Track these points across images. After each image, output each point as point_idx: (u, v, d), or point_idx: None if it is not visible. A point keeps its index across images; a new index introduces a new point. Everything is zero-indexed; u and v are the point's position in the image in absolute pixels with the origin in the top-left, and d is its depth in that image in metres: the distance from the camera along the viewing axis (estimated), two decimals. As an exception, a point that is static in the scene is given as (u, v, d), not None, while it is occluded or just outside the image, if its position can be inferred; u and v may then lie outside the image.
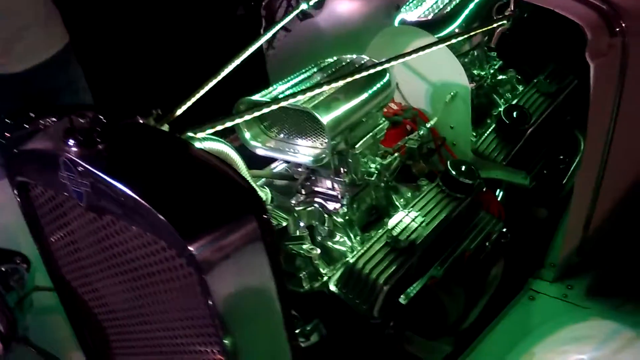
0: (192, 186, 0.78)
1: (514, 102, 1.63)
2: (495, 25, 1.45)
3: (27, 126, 0.87)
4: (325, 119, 1.14)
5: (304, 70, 1.30)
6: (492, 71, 1.70)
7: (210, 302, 0.77)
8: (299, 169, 1.34)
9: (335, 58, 1.35)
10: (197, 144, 0.97)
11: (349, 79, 1.13)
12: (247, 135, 1.26)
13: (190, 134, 0.96)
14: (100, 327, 1.10)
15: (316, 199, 1.33)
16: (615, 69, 1.22)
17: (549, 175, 1.56)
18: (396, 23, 1.57)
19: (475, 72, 1.68)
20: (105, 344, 1.11)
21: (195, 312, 0.82)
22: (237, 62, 1.22)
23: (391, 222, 1.18)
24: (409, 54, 1.22)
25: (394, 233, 1.17)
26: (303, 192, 1.35)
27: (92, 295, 1.06)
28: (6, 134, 0.90)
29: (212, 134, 0.98)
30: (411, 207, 1.26)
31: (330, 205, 1.32)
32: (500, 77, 1.74)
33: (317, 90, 1.10)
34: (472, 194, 1.32)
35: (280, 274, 0.83)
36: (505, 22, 1.28)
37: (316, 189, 1.34)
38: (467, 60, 1.65)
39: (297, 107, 1.15)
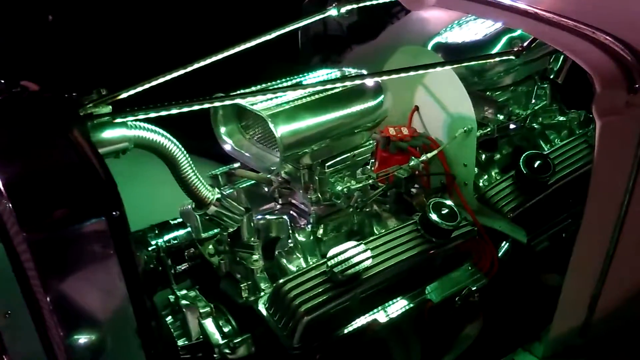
0: (47, 175, 0.77)
1: (560, 151, 1.46)
2: (499, 59, 1.30)
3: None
4: (282, 128, 1.08)
5: (294, 77, 1.25)
6: (540, 111, 1.53)
7: (47, 294, 0.75)
8: (278, 177, 1.29)
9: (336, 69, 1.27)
10: (126, 131, 0.96)
11: (311, 89, 1.06)
12: (222, 130, 1.23)
13: (121, 119, 0.95)
14: None
15: (290, 211, 1.28)
16: (632, 133, 1.04)
17: (568, 239, 1.37)
18: (429, 46, 1.46)
19: (517, 110, 1.52)
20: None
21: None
22: (226, 53, 1.20)
23: (332, 252, 1.09)
24: (391, 72, 1.12)
25: (331, 263, 1.08)
26: (280, 201, 1.30)
27: None
28: None
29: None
30: (371, 240, 1.16)
31: (302, 222, 1.26)
32: (558, 118, 1.57)
33: (272, 95, 1.05)
34: (449, 240, 1.19)
35: (136, 276, 0.80)
36: (513, 57, 1.13)
37: (292, 200, 1.28)
38: (507, 97, 1.50)
39: (253, 110, 1.10)
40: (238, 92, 1.11)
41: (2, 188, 0.73)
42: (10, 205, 0.72)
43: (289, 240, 1.22)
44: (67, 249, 0.74)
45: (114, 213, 0.75)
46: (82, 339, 0.80)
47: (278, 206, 1.30)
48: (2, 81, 1.03)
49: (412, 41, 1.49)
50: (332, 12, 1.45)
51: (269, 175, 1.29)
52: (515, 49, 1.13)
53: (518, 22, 1.16)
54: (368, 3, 1.42)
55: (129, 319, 0.81)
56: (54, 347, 0.80)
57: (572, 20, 1.07)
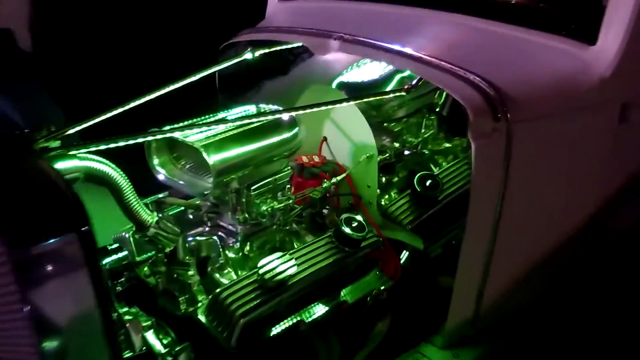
0: (27, 199, 0.89)
1: (447, 171, 1.71)
2: (392, 95, 1.55)
3: None
4: (213, 157, 1.25)
5: (222, 112, 1.42)
6: (430, 138, 1.79)
7: (25, 303, 0.87)
8: (207, 203, 1.45)
9: (254, 106, 1.46)
10: (77, 162, 1.09)
11: (236, 123, 1.24)
12: (155, 161, 1.37)
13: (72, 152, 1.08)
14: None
15: (219, 232, 1.43)
16: (500, 152, 1.29)
17: (457, 246, 1.61)
18: (334, 84, 1.69)
19: (410, 139, 1.77)
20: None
21: (16, 315, 0.91)
22: (158, 93, 1.36)
23: (262, 262, 1.27)
24: (304, 107, 1.33)
25: (262, 272, 1.25)
26: (209, 224, 1.45)
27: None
28: None
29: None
30: (294, 252, 1.34)
31: (230, 240, 1.41)
32: (444, 145, 1.83)
33: (200, 129, 1.22)
34: (359, 249, 1.39)
35: (103, 286, 0.93)
36: (404, 93, 1.38)
37: (220, 222, 1.44)
38: (401, 127, 1.74)
39: (186, 142, 1.26)
40: (171, 126, 1.27)
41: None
42: None
43: (220, 258, 1.38)
44: (44, 262, 0.86)
45: (82, 229, 0.88)
46: (54, 345, 0.91)
47: (207, 228, 1.45)
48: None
49: (318, 80, 1.71)
50: (248, 55, 1.65)
51: (198, 202, 1.45)
52: (406, 87, 1.37)
53: (406, 64, 1.40)
54: (279, 48, 1.63)
55: (96, 325, 0.93)
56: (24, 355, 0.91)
57: (448, 63, 1.33)
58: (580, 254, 1.64)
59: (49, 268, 0.87)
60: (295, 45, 1.62)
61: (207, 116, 1.38)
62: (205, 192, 1.31)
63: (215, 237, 1.40)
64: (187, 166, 1.38)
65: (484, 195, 1.33)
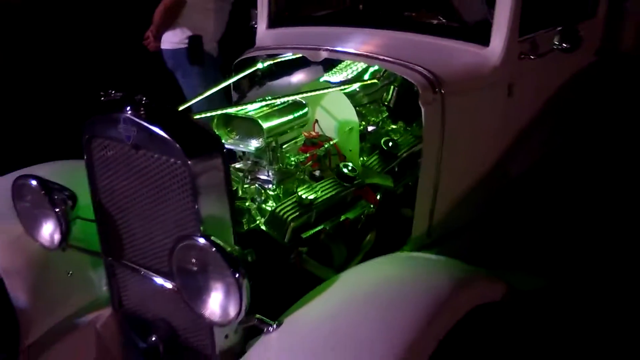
0: (190, 133, 1.57)
1: (401, 139, 2.48)
2: (369, 82, 2.33)
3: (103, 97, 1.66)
4: (264, 124, 1.96)
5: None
6: (384, 119, 2.56)
7: (195, 201, 1.54)
8: (248, 162, 2.14)
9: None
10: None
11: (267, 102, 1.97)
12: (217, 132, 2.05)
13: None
14: (121, 238, 1.82)
15: (257, 183, 2.12)
16: (439, 113, 2.08)
17: (413, 186, 2.37)
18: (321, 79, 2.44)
19: (372, 119, 2.54)
20: (124, 251, 1.83)
21: (187, 206, 1.57)
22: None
23: (300, 191, 1.98)
24: (312, 91, 2.07)
25: (300, 195, 1.96)
26: (249, 177, 2.13)
27: (119, 217, 1.80)
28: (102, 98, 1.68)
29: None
30: (314, 185, 2.06)
31: (266, 186, 2.11)
32: (392, 126, 2.61)
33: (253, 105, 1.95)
34: (353, 183, 2.13)
35: (230, 185, 1.61)
36: (376, 81, 2.15)
37: (257, 176, 2.13)
38: (366, 111, 2.51)
39: (248, 116, 1.97)
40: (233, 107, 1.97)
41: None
42: (181, 148, 1.51)
43: (262, 197, 2.06)
44: (207, 169, 1.54)
45: (224, 150, 1.57)
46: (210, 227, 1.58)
47: (247, 181, 2.13)
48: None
49: (313, 78, 2.46)
50: (259, 65, 2.38)
51: (239, 165, 2.14)
52: (377, 77, 2.14)
53: (376, 63, 2.18)
54: (284, 58, 2.37)
55: (227, 215, 1.61)
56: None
57: (402, 60, 2.12)
58: (493, 190, 2.46)
59: (209, 170, 1.55)
60: (295, 56, 2.36)
61: (251, 101, 2.09)
62: (259, 147, 2.00)
63: (257, 185, 2.08)
64: (237, 136, 2.08)
65: (431, 143, 2.11)
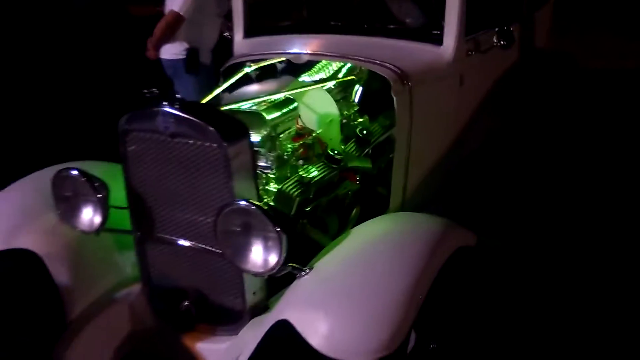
0: (222, 121, 1.91)
1: (372, 127, 2.88)
2: (348, 78, 2.73)
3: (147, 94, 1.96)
4: (267, 117, 2.31)
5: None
6: (353, 114, 2.96)
7: (230, 178, 1.87)
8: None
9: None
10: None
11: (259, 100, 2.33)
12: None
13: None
14: (153, 218, 2.11)
15: (259, 169, 2.45)
16: (407, 101, 2.50)
17: (386, 169, 2.77)
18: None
19: (345, 112, 2.93)
20: (155, 229, 2.12)
21: (221, 182, 1.90)
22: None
23: (300, 172, 2.34)
24: (298, 88, 2.45)
25: (301, 175, 2.32)
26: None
27: (152, 199, 2.08)
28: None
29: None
30: (310, 167, 2.42)
31: (266, 171, 2.45)
32: (360, 119, 3.01)
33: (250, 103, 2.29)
34: (339, 165, 2.50)
35: (255, 164, 1.95)
36: (354, 77, 2.55)
37: (258, 163, 2.47)
38: (340, 106, 2.90)
39: (252, 110, 2.31)
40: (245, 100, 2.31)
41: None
42: (217, 133, 1.84)
43: (263, 180, 2.40)
44: (240, 151, 1.88)
45: (250, 138, 1.91)
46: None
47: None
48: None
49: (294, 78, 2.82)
50: (247, 69, 2.72)
51: None
52: (355, 74, 2.54)
53: (352, 62, 2.57)
54: (269, 62, 2.72)
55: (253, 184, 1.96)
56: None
57: (375, 59, 2.52)
58: (452, 163, 2.90)
59: (239, 152, 1.89)
60: (279, 60, 2.73)
61: (246, 99, 2.44)
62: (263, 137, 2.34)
63: (259, 171, 2.42)
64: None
65: (403, 126, 2.52)
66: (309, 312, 1.69)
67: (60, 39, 4.60)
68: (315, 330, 1.63)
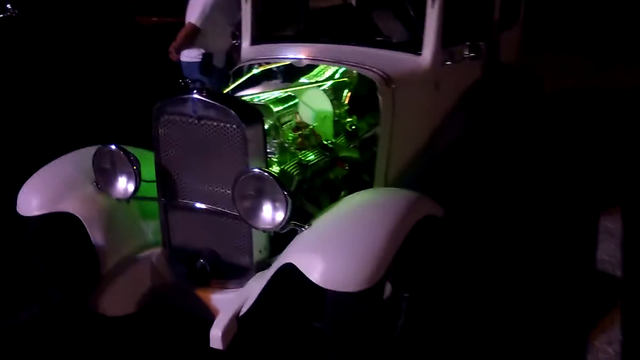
0: (241, 107, 2.35)
1: (360, 124, 3.33)
2: (340, 80, 3.19)
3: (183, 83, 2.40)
4: (274, 109, 2.76)
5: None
6: (344, 112, 3.42)
7: (246, 154, 2.31)
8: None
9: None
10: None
11: (281, 94, 2.77)
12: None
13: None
14: (177, 187, 2.53)
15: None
16: (391, 101, 2.96)
17: (371, 160, 3.21)
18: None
19: (337, 111, 3.38)
20: (178, 197, 2.54)
21: (239, 156, 2.33)
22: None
23: (300, 156, 2.78)
24: (299, 87, 2.90)
25: (300, 158, 2.76)
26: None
27: (177, 172, 2.51)
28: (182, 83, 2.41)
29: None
30: (307, 153, 2.87)
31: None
32: (349, 119, 3.47)
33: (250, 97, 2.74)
34: (331, 153, 2.94)
35: (265, 144, 2.39)
36: (346, 79, 3.01)
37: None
38: (332, 105, 3.35)
39: (259, 102, 2.76)
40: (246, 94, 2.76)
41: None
42: (237, 115, 2.29)
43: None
44: (254, 131, 2.32)
45: (262, 122, 2.36)
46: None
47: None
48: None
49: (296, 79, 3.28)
50: (255, 71, 3.17)
51: None
52: (347, 76, 3.00)
53: (346, 66, 3.03)
54: (274, 65, 3.18)
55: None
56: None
57: (364, 64, 2.98)
58: (427, 158, 3.36)
59: (254, 133, 2.33)
60: (283, 64, 3.19)
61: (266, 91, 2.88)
62: (269, 127, 2.79)
63: (263, 155, 2.86)
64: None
65: (386, 123, 2.98)
66: (309, 255, 2.13)
67: (73, 46, 5.05)
68: (314, 268, 2.06)
